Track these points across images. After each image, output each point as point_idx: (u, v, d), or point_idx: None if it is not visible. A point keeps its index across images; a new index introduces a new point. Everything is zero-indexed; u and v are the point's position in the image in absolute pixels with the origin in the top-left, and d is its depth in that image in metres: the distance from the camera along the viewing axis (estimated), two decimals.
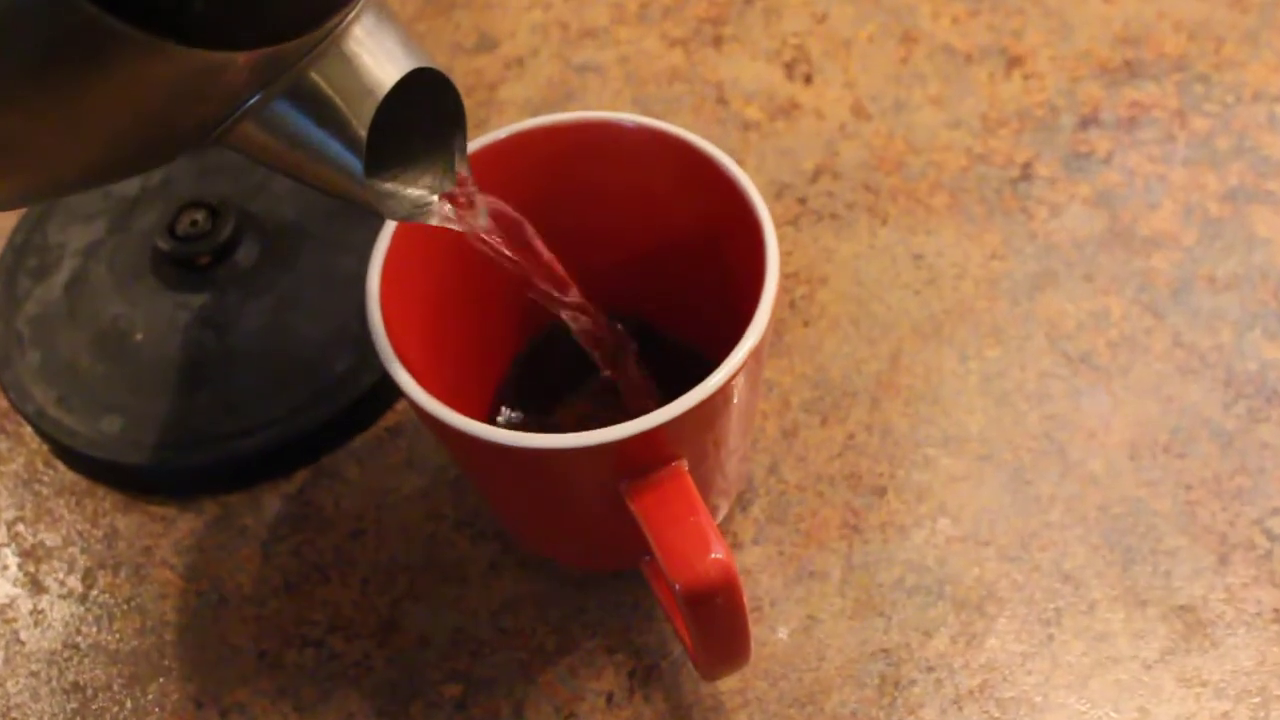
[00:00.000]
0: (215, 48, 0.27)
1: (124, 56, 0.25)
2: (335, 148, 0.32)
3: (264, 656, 0.44)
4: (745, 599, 0.36)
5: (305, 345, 0.49)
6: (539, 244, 0.38)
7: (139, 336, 0.50)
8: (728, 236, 0.41)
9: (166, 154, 0.32)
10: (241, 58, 0.28)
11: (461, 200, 0.36)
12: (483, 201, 0.37)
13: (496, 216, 0.37)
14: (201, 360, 0.49)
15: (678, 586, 0.35)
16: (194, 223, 0.50)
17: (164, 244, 0.50)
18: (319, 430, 0.48)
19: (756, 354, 0.37)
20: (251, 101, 0.30)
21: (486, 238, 0.37)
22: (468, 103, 0.57)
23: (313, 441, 0.48)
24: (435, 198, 0.35)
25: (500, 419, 0.46)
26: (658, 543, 0.36)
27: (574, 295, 0.39)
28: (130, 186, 0.54)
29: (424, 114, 0.35)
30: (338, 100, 0.31)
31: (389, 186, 0.35)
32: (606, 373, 0.42)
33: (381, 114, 0.32)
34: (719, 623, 0.37)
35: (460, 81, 0.57)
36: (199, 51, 0.26)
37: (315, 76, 0.31)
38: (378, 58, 0.32)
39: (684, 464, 0.37)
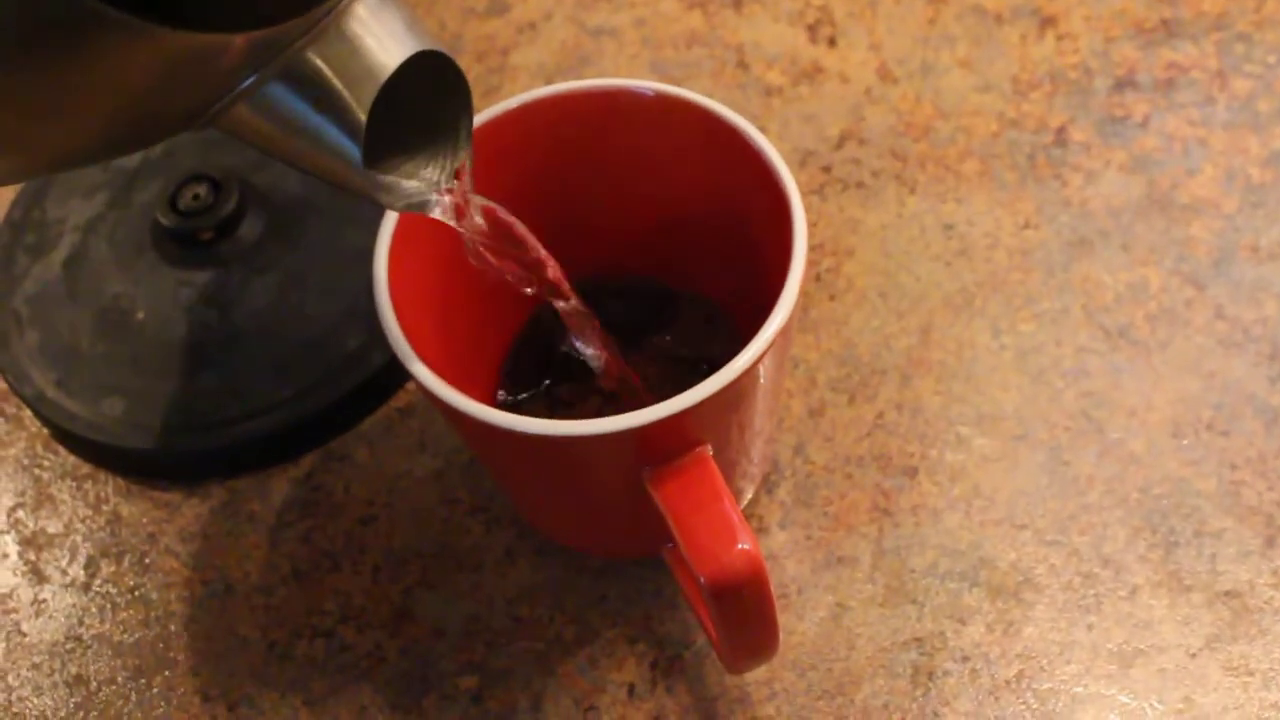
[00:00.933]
0: (207, 30, 0.25)
1: (109, 40, 0.24)
2: (333, 133, 0.30)
3: (273, 648, 0.43)
4: (773, 590, 0.35)
5: (312, 323, 0.48)
6: (532, 241, 0.37)
7: (141, 315, 0.48)
8: (752, 208, 0.39)
9: (154, 137, 0.31)
10: (235, 40, 0.26)
11: (459, 199, 0.34)
12: (477, 204, 0.35)
13: (489, 218, 0.36)
14: (205, 340, 0.47)
15: (702, 579, 0.34)
16: (196, 196, 0.49)
17: (165, 219, 0.48)
18: (327, 412, 0.46)
19: (784, 333, 0.35)
20: (245, 84, 0.29)
21: (478, 244, 0.36)
22: (478, 69, 0.56)
23: (321, 424, 0.47)
24: (436, 190, 0.34)
25: (506, 397, 0.44)
26: (681, 532, 0.34)
27: (573, 302, 0.38)
28: (131, 159, 0.52)
29: (428, 100, 0.33)
30: (337, 83, 0.30)
31: (389, 176, 0.33)
32: (604, 383, 0.41)
33: (383, 99, 0.30)
34: (745, 616, 0.35)
35: (470, 47, 0.55)
36: (189, 34, 0.25)
37: (314, 58, 0.29)
38: (380, 39, 0.30)
39: (708, 449, 0.36)
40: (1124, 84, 0.53)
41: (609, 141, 0.41)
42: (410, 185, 0.33)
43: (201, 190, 0.49)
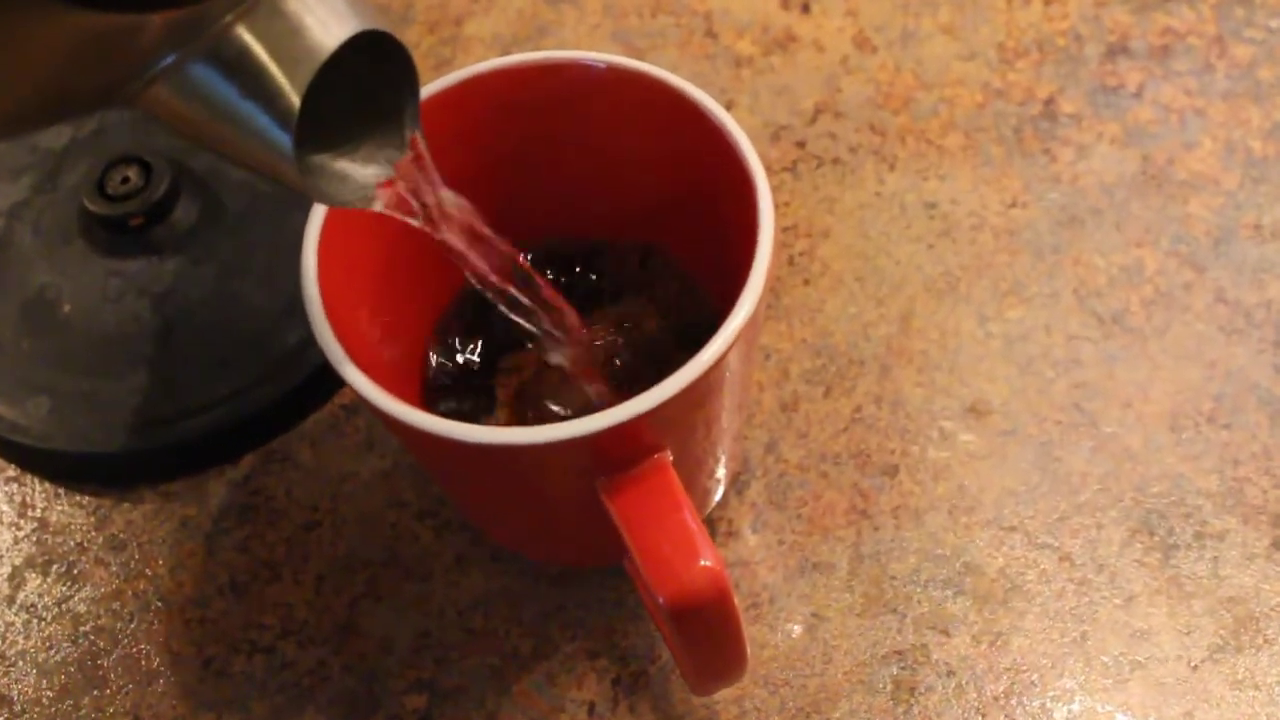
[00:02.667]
0: (121, 9, 0.23)
1: (14, 18, 0.22)
2: (261, 120, 0.27)
3: (209, 665, 0.41)
4: (739, 609, 0.32)
5: (252, 315, 0.45)
6: (499, 243, 0.34)
7: (67, 308, 0.46)
8: (717, 187, 0.36)
9: (62, 116, 0.29)
10: (153, 19, 0.24)
11: (402, 191, 0.32)
12: (428, 194, 0.32)
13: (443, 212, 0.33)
14: (137, 334, 0.45)
15: (661, 599, 0.31)
16: (125, 179, 0.46)
17: (93, 204, 0.46)
18: (268, 410, 0.44)
19: (750, 325, 0.33)
20: (164, 63, 0.26)
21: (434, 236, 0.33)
22: (430, 40, 0.53)
23: (261, 423, 0.44)
24: (375, 182, 0.31)
25: (439, 360, 0.41)
26: (638, 548, 0.32)
27: (541, 291, 0.35)
28: (58, 138, 0.49)
29: (371, 85, 0.30)
30: (268, 64, 0.27)
31: (324, 168, 0.30)
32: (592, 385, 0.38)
33: (320, 83, 0.27)
34: (709, 637, 0.33)
35: (422, 16, 0.52)
36: (101, 14, 0.23)
37: (243, 35, 0.27)
38: (319, 16, 0.27)
39: (668, 455, 0.33)
40: (1116, 51, 0.50)
41: (563, 118, 0.38)
42: (347, 178, 0.31)
43: (131, 173, 0.46)
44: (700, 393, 0.32)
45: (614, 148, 0.38)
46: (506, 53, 0.51)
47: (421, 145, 0.31)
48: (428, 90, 0.37)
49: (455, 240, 0.33)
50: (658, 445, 0.33)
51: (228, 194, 0.47)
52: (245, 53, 0.27)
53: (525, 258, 0.35)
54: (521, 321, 0.35)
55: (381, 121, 0.31)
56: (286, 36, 0.27)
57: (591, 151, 0.39)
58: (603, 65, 0.36)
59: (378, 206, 0.31)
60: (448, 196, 0.33)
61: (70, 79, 0.26)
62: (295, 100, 0.27)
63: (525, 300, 0.35)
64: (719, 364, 0.32)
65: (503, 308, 0.35)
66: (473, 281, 0.34)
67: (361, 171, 0.31)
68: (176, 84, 0.27)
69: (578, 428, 0.31)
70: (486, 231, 0.34)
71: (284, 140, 0.27)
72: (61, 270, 0.46)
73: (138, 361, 0.44)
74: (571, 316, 0.36)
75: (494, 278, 0.35)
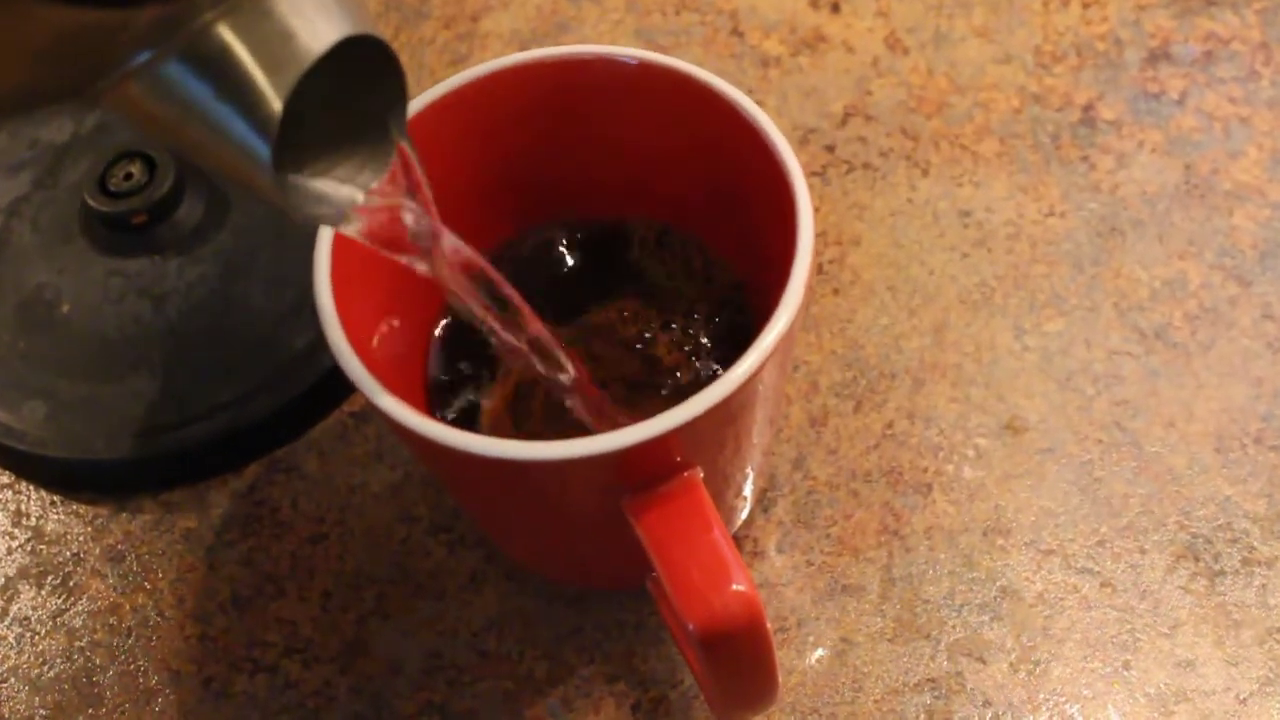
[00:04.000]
0: (102, 5, 0.22)
1: None
2: (239, 126, 0.25)
3: (209, 684, 0.39)
4: (771, 636, 0.30)
5: (258, 318, 0.44)
6: (491, 273, 0.32)
7: (66, 308, 0.44)
8: (751, 192, 0.35)
9: (16, 113, 0.26)
10: (136, 15, 0.23)
11: (381, 213, 0.30)
12: (414, 219, 0.30)
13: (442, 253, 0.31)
14: (138, 336, 0.43)
15: (690, 625, 0.30)
16: (128, 176, 0.45)
17: (94, 201, 0.44)
18: (274, 417, 0.43)
19: (786, 338, 0.31)
20: (138, 61, 0.25)
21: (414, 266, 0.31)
22: (445, 35, 0.51)
23: (267, 430, 0.43)
24: (353, 204, 0.29)
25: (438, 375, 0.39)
26: (666, 570, 0.31)
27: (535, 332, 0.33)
28: (60, 133, 0.48)
29: (361, 98, 0.28)
30: (249, 67, 0.25)
31: (302, 183, 0.28)
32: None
33: (305, 91, 0.25)
34: (740, 665, 0.32)
35: (437, 11, 0.50)
36: (81, 10, 0.21)
37: (226, 34, 0.25)
38: (308, 18, 0.25)
39: (698, 473, 0.31)
40: (1158, 56, 0.49)
41: (586, 116, 0.37)
42: (324, 195, 0.29)
43: (134, 169, 0.44)
44: (735, 408, 0.30)
45: (642, 146, 0.37)
46: (525, 50, 0.49)
47: (416, 168, 0.30)
48: (444, 86, 0.35)
49: (446, 275, 0.31)
50: (688, 462, 0.31)
51: (234, 192, 0.45)
52: (225, 53, 0.25)
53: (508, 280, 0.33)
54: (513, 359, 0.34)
55: (369, 137, 0.29)
56: (272, 38, 0.25)
57: (618, 150, 0.38)
58: (633, 61, 0.35)
59: (351, 230, 0.29)
60: (446, 239, 0.31)
61: (37, 75, 0.24)
62: (277, 106, 0.25)
63: (515, 342, 0.33)
64: (754, 378, 0.30)
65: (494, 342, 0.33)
66: (461, 314, 0.33)
67: (339, 190, 0.29)
68: (150, 83, 0.25)
69: (605, 443, 0.29)
70: (480, 263, 0.32)
71: (262, 149, 0.25)
72: (61, 269, 0.45)
73: (138, 365, 0.43)
74: (569, 363, 0.34)
75: (485, 315, 0.33)
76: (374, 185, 0.29)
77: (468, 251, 0.31)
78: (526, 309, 0.32)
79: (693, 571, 0.30)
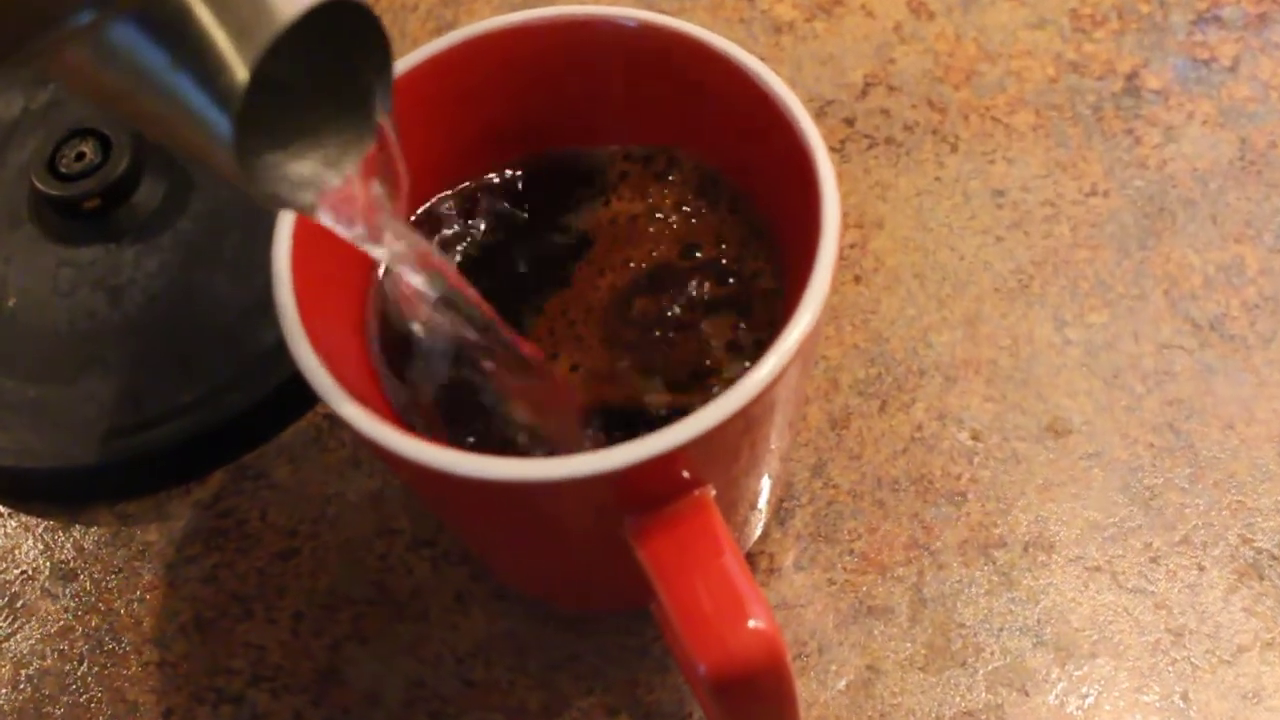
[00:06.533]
0: None
1: None
2: (197, 99, 0.23)
3: (169, 716, 0.36)
4: (794, 679, 0.27)
5: (223, 311, 0.41)
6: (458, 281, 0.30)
7: (12, 302, 0.42)
8: (766, 170, 0.31)
9: None
10: None
11: (355, 199, 0.27)
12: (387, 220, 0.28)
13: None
14: (92, 332, 0.41)
15: (702, 668, 0.27)
16: (80, 156, 0.42)
17: (43, 184, 0.42)
18: (241, 420, 0.40)
19: (810, 338, 0.28)
20: (80, 21, 0.23)
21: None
22: (429, 1, 0.47)
23: (233, 434, 0.40)
24: (324, 190, 0.27)
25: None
26: (673, 603, 0.28)
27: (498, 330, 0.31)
28: (9, 109, 0.45)
29: (338, 64, 0.26)
30: (211, 31, 0.23)
31: (268, 163, 0.26)
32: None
33: (277, 61, 0.23)
34: (757, 711, 0.28)
35: None
36: None
37: None
38: None
39: (709, 491, 0.28)
40: (1207, 19, 0.46)
41: (584, 84, 0.34)
42: (292, 178, 0.26)
43: (87, 148, 0.42)
44: (752, 418, 0.27)
45: (643, 119, 0.33)
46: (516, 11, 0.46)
47: (395, 150, 0.27)
48: (437, 45, 0.32)
49: (405, 271, 0.29)
50: (698, 480, 0.28)
51: (197, 172, 0.43)
52: (183, 14, 0.23)
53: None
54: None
55: (349, 115, 0.27)
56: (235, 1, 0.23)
57: (615, 122, 0.34)
58: (633, 23, 0.31)
59: (324, 219, 0.27)
60: (398, 229, 0.28)
61: None
62: (242, 77, 0.23)
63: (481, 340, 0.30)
64: (774, 384, 0.27)
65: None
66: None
67: (311, 172, 0.27)
68: (95, 48, 0.23)
69: (604, 461, 0.26)
70: (446, 269, 0.29)
71: (223, 124, 0.23)
72: (7, 259, 0.42)
73: (92, 363, 0.41)
74: (538, 365, 0.31)
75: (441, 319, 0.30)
76: (352, 169, 0.27)
77: (424, 245, 0.29)
78: (483, 305, 0.30)
79: (704, 606, 0.27)
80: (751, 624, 0.26)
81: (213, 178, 0.42)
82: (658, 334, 0.32)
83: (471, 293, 0.29)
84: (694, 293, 0.32)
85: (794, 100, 0.30)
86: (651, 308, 0.32)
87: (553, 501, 0.28)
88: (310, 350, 0.28)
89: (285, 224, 0.30)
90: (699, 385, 0.31)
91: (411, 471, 0.27)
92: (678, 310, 0.32)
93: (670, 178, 0.34)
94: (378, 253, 0.28)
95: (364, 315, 0.33)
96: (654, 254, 0.33)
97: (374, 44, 0.26)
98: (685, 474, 0.27)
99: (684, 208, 0.33)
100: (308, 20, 0.23)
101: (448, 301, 0.29)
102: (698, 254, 0.33)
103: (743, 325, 0.31)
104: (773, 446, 0.31)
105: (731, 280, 0.32)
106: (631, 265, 0.33)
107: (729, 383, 0.27)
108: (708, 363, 0.31)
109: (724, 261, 0.32)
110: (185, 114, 0.23)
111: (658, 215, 0.33)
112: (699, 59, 0.31)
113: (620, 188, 0.34)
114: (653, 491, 0.27)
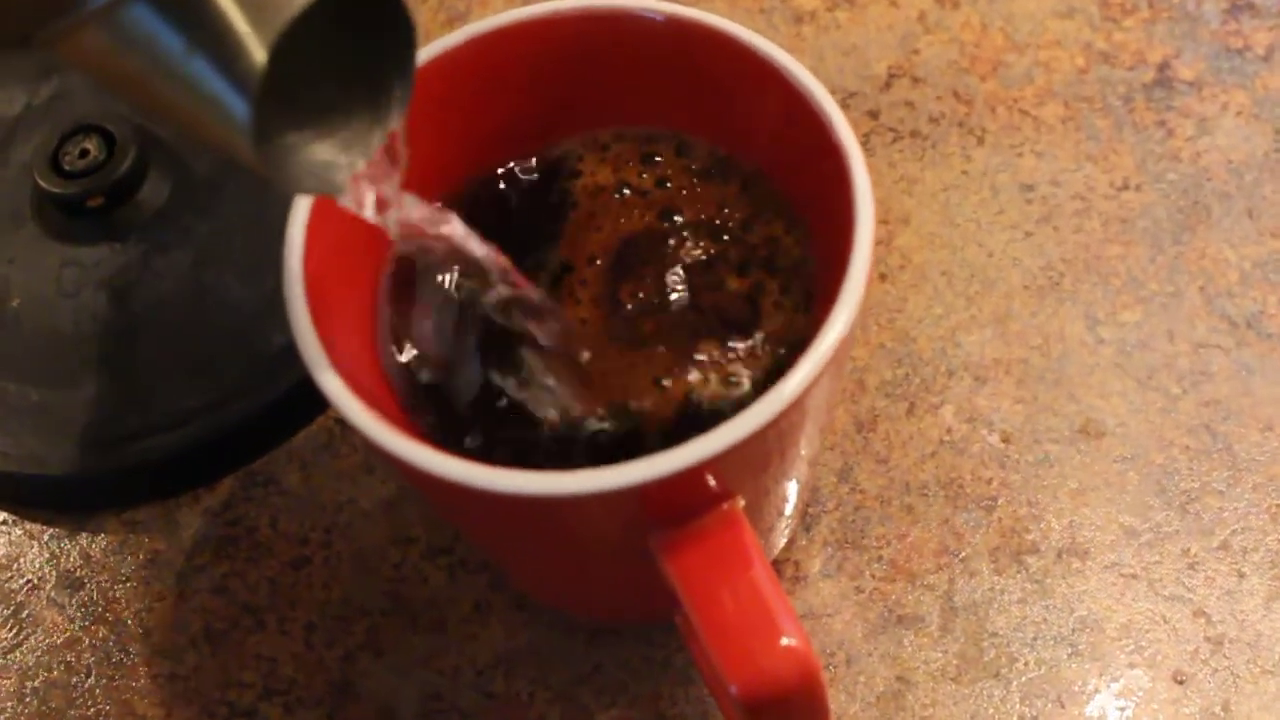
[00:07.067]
0: None
1: None
2: (215, 82, 0.23)
3: None
4: (827, 698, 0.26)
5: (232, 313, 0.40)
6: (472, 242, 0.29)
7: (16, 303, 0.41)
8: (794, 169, 0.31)
9: None
10: None
11: (380, 183, 0.27)
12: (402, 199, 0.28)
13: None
14: (96, 334, 0.40)
15: (733, 689, 0.26)
16: (84, 153, 0.41)
17: (46, 181, 0.41)
18: (250, 424, 0.39)
19: (844, 344, 0.27)
20: (97, 3, 0.22)
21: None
22: None
23: (243, 439, 0.40)
24: (349, 169, 0.27)
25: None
26: (703, 621, 0.27)
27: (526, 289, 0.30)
28: (11, 105, 0.44)
29: (355, 46, 0.26)
30: (229, 11, 0.23)
31: (289, 148, 0.26)
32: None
33: (293, 42, 0.23)
34: None
35: None
36: None
37: None
38: None
39: (738, 504, 0.28)
40: (1240, 7, 0.45)
41: (605, 78, 0.32)
42: (315, 163, 0.26)
43: (91, 144, 0.41)
44: (784, 428, 0.26)
45: (668, 114, 0.32)
46: (529, 4, 0.45)
47: (399, 137, 0.27)
48: (453, 38, 0.31)
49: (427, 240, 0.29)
50: (728, 492, 0.27)
51: (204, 169, 0.42)
52: None
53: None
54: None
55: (368, 94, 0.26)
56: None
57: (637, 118, 0.33)
58: (659, 16, 0.30)
59: (347, 202, 0.27)
60: (411, 203, 0.28)
61: None
62: (260, 59, 0.22)
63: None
64: (807, 393, 0.26)
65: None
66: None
67: (333, 156, 0.27)
68: (111, 29, 0.23)
69: (631, 474, 0.25)
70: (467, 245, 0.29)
71: (241, 109, 0.23)
72: (9, 258, 0.41)
73: (98, 366, 0.40)
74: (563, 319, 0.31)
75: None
76: (376, 152, 0.27)
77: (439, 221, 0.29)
78: (507, 267, 0.29)
79: (736, 624, 0.26)
80: (784, 642, 0.26)
81: (220, 176, 0.41)
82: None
83: (487, 251, 0.29)
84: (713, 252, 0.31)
85: (829, 100, 0.29)
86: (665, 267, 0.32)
87: (577, 516, 0.27)
88: (328, 364, 0.27)
89: (299, 220, 0.29)
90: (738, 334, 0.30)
91: (436, 487, 0.26)
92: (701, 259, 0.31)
93: (682, 158, 0.33)
94: (392, 225, 0.28)
95: (374, 310, 0.32)
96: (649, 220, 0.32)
97: (394, 23, 0.25)
98: (714, 486, 0.26)
99: (693, 181, 0.32)
100: (328, 4, 0.23)
101: (465, 262, 0.29)
102: (721, 226, 0.32)
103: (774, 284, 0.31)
104: (803, 453, 0.30)
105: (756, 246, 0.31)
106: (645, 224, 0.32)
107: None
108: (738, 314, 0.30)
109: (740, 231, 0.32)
110: (202, 99, 0.23)
111: (666, 185, 0.32)
112: (728, 54, 0.30)
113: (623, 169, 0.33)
114: (681, 505, 0.26)
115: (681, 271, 0.31)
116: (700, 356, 0.30)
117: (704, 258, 0.32)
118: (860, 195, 0.28)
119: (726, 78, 0.30)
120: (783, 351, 0.30)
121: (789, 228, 0.31)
